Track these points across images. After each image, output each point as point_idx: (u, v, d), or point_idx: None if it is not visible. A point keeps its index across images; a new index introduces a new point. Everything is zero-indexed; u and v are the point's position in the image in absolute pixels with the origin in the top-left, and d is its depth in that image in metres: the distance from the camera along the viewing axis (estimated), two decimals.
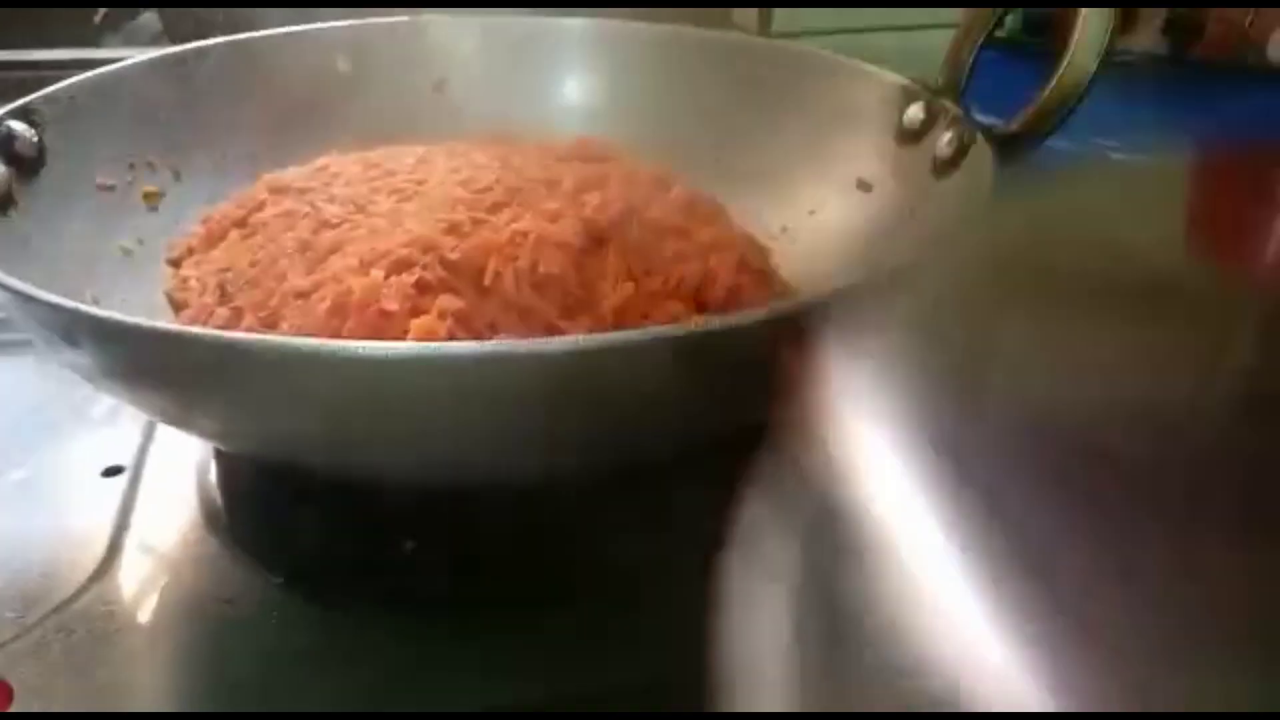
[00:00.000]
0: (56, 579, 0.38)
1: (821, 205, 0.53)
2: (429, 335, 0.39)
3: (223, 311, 0.45)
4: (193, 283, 0.47)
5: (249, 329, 0.43)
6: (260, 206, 0.50)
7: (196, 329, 0.29)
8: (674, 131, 0.58)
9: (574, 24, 0.60)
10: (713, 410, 0.34)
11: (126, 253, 0.48)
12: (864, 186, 0.51)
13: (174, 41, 0.73)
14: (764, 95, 0.56)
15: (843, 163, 0.52)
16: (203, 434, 0.40)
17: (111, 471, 0.45)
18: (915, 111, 0.49)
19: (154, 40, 0.71)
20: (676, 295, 0.44)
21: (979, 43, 0.48)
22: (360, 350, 0.26)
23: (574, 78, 0.60)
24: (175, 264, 0.50)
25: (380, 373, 0.27)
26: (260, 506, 0.43)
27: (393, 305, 0.39)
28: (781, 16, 0.65)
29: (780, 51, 0.58)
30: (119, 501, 0.44)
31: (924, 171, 0.47)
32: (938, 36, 0.69)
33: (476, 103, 0.60)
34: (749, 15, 0.67)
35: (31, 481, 0.46)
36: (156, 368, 0.30)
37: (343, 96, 0.58)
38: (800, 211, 0.53)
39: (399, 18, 0.59)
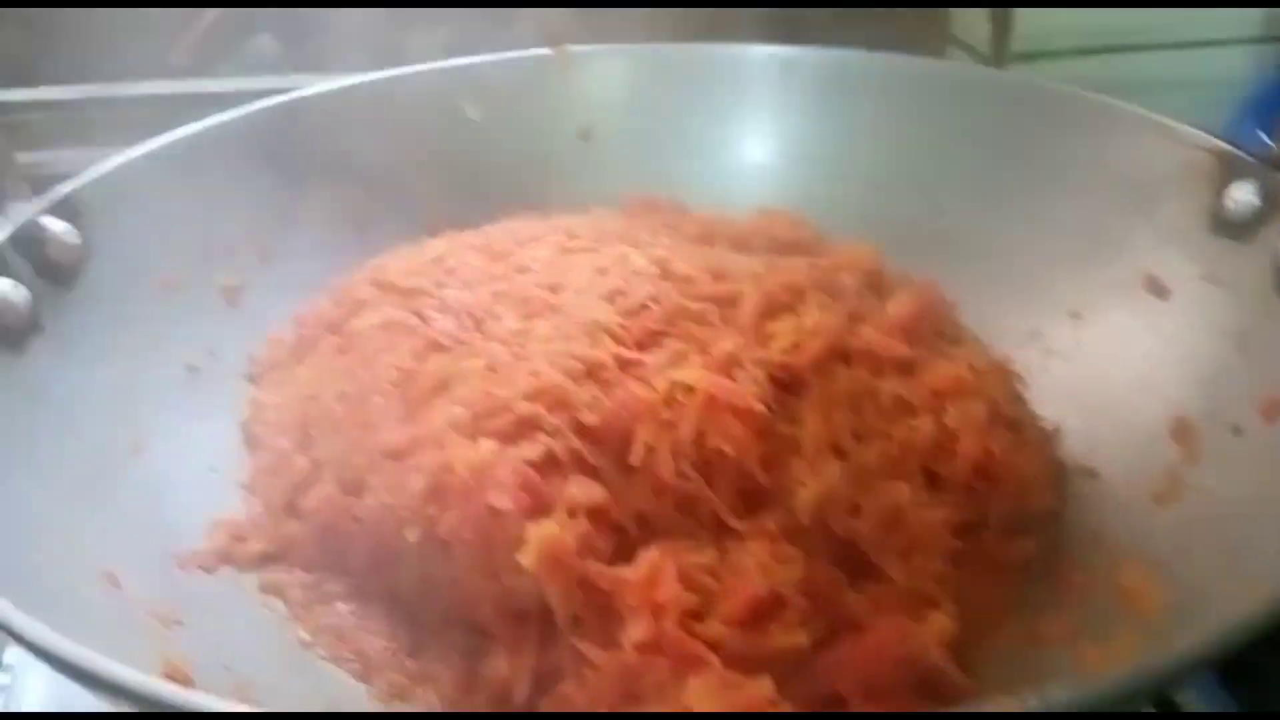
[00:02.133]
0: None
1: (1090, 308, 0.39)
2: (552, 551, 0.28)
3: (302, 463, 0.35)
4: (271, 415, 0.38)
5: (327, 499, 0.33)
6: (360, 308, 0.39)
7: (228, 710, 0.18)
8: (884, 196, 0.45)
9: (756, 54, 0.47)
10: None
11: (193, 370, 0.38)
12: (1156, 289, 0.37)
13: (295, 69, 0.64)
14: (1009, 150, 0.43)
15: (1124, 251, 0.38)
16: None
17: None
18: (1244, 194, 0.34)
19: (272, 68, 0.62)
20: (900, 471, 0.31)
21: None
22: None
23: (754, 123, 0.47)
24: (256, 381, 0.40)
25: None
26: None
27: (504, 501, 0.28)
28: (1023, 27, 0.51)
29: (1032, 92, 0.43)
30: None
31: (1262, 283, 0.33)
32: (1237, 57, 0.54)
33: (631, 154, 0.48)
34: (978, 26, 0.52)
35: None
36: None
37: (471, 149, 0.47)
38: (1059, 313, 0.40)
39: (539, 51, 0.48)
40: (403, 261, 0.41)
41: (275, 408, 0.38)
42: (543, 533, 0.28)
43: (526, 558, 0.27)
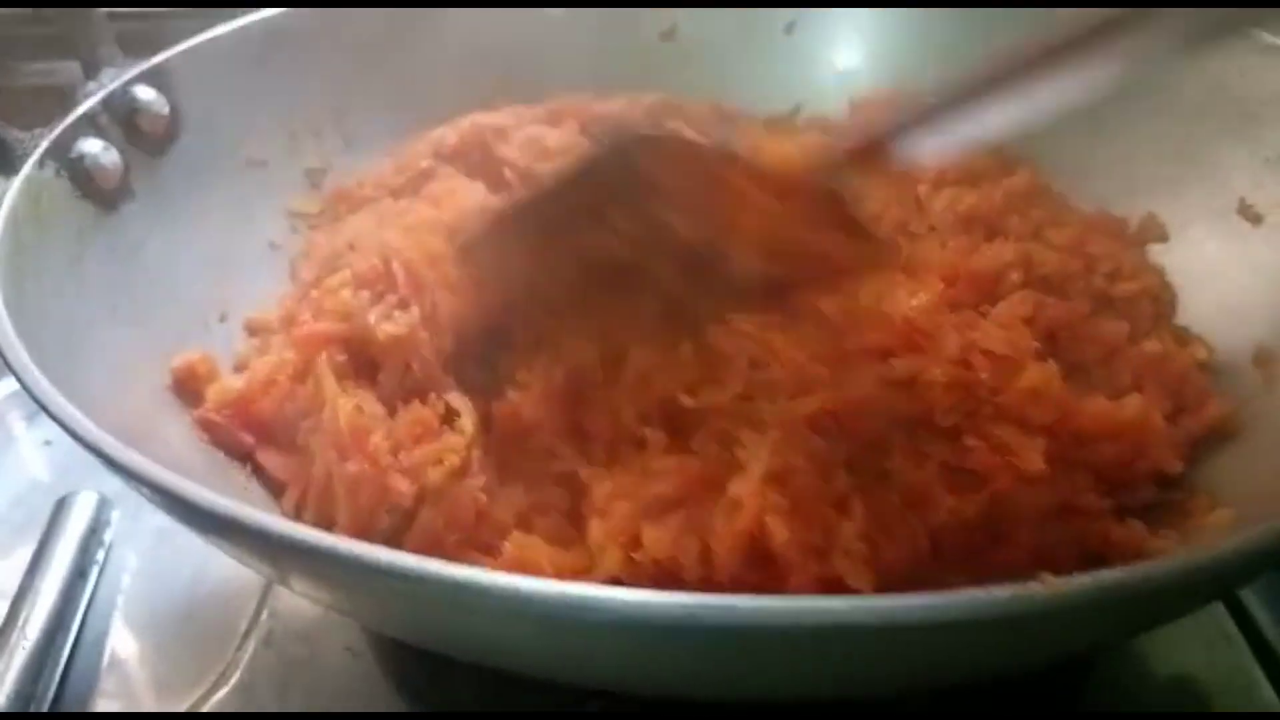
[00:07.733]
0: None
1: (1181, 231, 0.38)
2: None
3: None
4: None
5: None
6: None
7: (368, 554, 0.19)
8: None
9: None
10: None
11: (275, 248, 0.39)
12: (1250, 216, 0.36)
13: None
14: None
15: (1220, 175, 0.37)
16: None
17: None
18: None
19: None
20: None
21: None
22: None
23: (843, 29, 0.46)
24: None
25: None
26: None
27: None
28: None
29: None
30: None
31: None
32: None
33: (712, 58, 0.47)
34: None
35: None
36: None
37: (553, 45, 0.47)
38: None
39: None
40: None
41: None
42: None
43: None
